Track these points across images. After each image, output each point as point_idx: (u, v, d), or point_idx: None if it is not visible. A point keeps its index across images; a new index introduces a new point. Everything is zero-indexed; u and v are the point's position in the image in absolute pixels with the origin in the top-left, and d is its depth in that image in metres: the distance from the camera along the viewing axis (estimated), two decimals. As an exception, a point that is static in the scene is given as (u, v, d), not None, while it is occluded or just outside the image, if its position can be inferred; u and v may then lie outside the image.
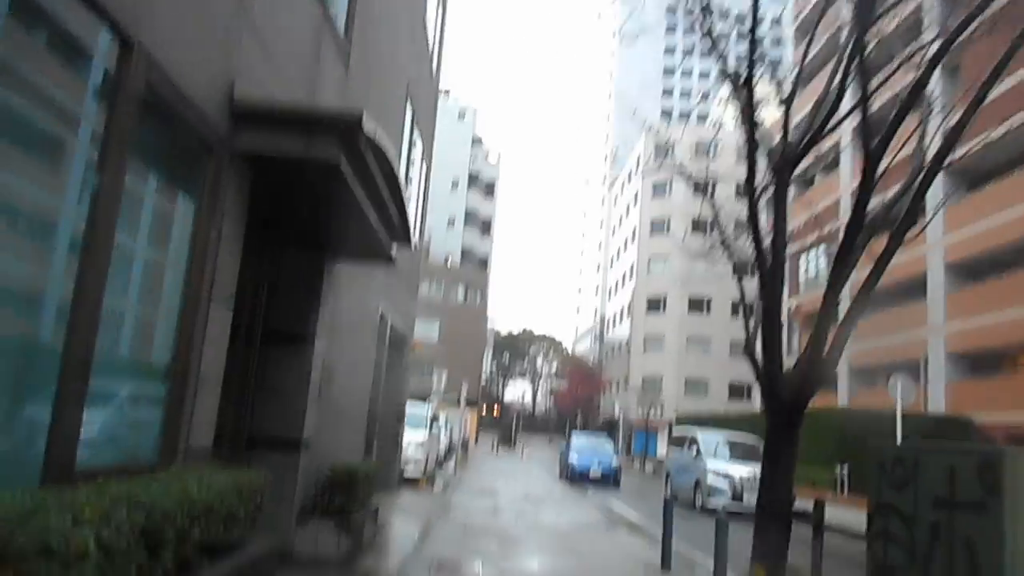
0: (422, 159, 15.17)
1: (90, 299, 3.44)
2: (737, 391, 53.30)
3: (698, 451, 19.32)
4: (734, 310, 55.98)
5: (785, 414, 5.86)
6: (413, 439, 17.22)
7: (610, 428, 56.51)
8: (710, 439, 20.14)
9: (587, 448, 25.30)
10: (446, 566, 8.11)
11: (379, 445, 13.48)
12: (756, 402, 46.04)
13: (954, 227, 25.95)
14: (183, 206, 4.69)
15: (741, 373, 52.53)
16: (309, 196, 5.90)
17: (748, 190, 6.05)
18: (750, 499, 16.98)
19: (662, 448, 44.33)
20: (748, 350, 6.57)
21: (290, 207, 6.33)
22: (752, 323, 6.77)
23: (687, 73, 78.13)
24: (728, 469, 17.98)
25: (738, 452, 19.29)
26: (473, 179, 69.33)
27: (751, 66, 5.84)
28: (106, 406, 4.02)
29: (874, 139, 5.27)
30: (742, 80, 6.07)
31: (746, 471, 17.65)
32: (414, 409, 18.57)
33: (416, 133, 13.92)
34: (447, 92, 66.97)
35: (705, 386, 55.21)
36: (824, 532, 5.76)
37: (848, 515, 16.15)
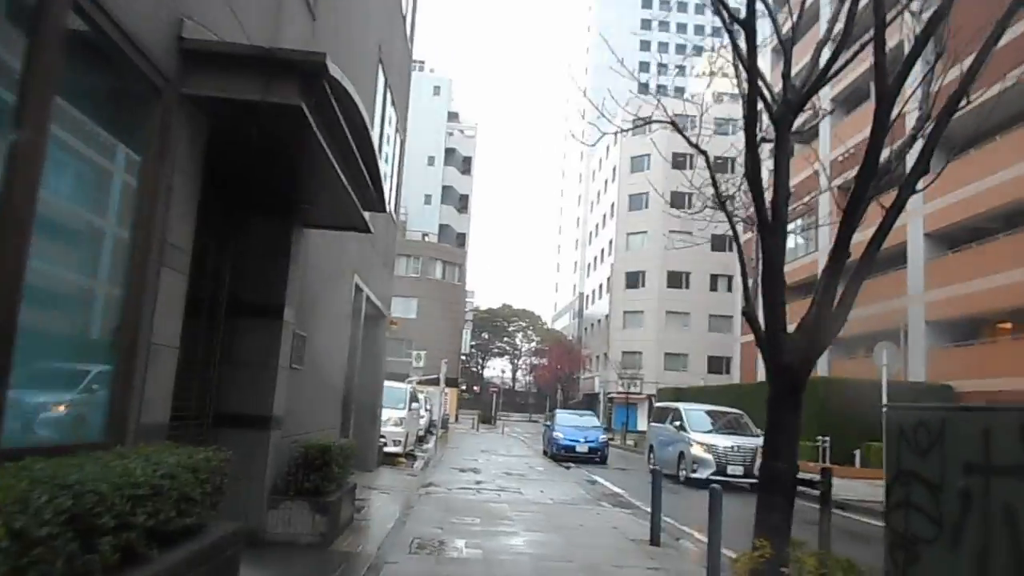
0: (396, 131, 14.62)
1: (9, 266, 3.01)
2: (716, 364, 53.58)
3: (681, 424, 19.14)
4: (712, 284, 56.16)
5: (789, 378, 5.57)
6: (392, 416, 16.93)
7: (590, 403, 56.60)
8: (693, 411, 20.01)
9: (573, 424, 25.17)
10: (427, 546, 7.76)
11: (356, 423, 13.09)
12: (735, 375, 46.28)
13: (933, 197, 25.93)
14: (126, 158, 4.20)
15: (720, 346, 53.01)
16: (272, 150, 5.41)
17: (748, 140, 5.68)
18: (734, 471, 16.94)
19: (642, 422, 44.46)
20: (748, 311, 6.23)
21: (253, 164, 5.84)
22: (751, 284, 6.44)
23: (663, 45, 77.68)
24: (712, 441, 17.83)
25: (721, 424, 19.24)
26: (450, 154, 68.43)
27: (751, 4, 5.44)
28: (38, 382, 3.58)
29: (889, 77, 4.91)
30: (740, 20, 5.66)
31: (730, 442, 17.59)
32: (393, 387, 18.24)
33: (389, 103, 13.36)
34: (422, 63, 65.89)
35: (684, 360, 55.40)
36: (831, 503, 5.49)
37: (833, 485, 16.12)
